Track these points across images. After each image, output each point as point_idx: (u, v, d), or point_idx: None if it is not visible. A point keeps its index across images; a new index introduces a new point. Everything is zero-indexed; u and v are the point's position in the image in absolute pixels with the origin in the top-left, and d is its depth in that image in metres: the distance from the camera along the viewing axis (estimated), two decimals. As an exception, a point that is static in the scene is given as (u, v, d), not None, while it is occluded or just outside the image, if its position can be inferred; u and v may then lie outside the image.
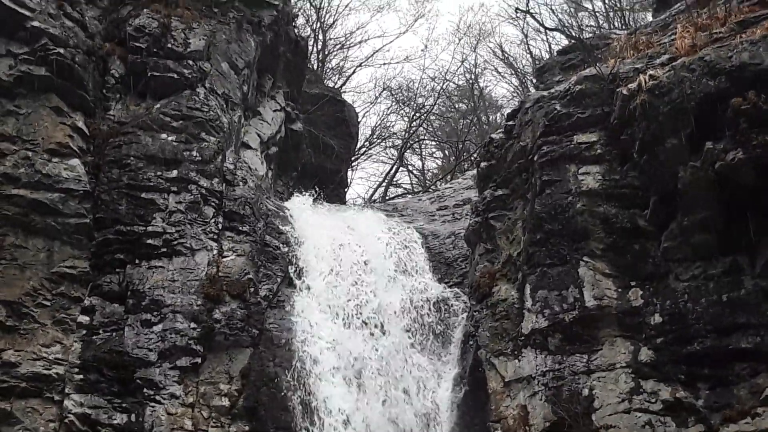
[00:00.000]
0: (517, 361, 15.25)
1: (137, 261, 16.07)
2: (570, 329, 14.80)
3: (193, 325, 15.64)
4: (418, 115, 37.73)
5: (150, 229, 16.26)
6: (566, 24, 32.76)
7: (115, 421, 14.91)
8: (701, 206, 13.73)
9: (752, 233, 13.35)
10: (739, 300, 13.45)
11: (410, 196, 30.60)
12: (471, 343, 16.01)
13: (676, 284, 14.09)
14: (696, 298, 13.80)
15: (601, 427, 14.09)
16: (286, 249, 17.48)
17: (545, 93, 16.30)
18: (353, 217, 20.07)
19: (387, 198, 34.05)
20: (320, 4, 34.40)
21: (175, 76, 17.90)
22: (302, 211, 19.14)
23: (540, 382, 14.90)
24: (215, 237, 16.61)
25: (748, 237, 13.43)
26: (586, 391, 14.44)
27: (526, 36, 37.47)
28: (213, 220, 16.73)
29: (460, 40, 39.84)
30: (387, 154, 38.30)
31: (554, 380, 14.77)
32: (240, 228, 17.04)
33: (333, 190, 26.13)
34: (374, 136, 37.39)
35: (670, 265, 14.24)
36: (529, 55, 37.36)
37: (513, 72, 38.80)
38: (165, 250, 16.19)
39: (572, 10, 34.35)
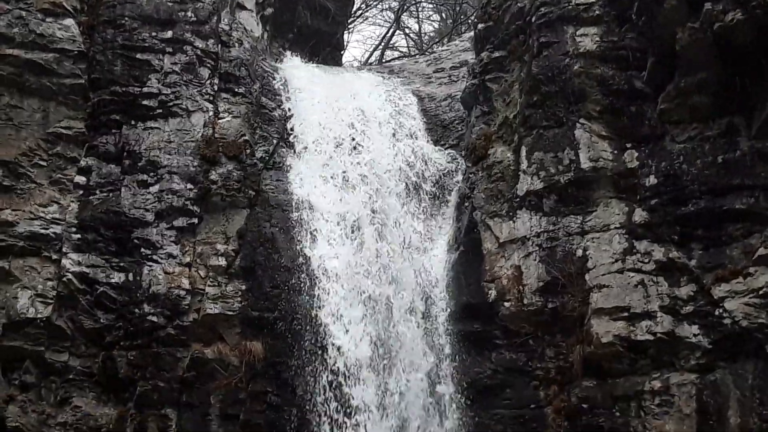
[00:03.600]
0: (512, 222, 15.33)
1: (133, 122, 16.02)
2: (565, 191, 14.85)
3: (189, 185, 15.67)
4: (415, -25, 37.13)
5: (145, 90, 16.17)
6: None
7: (112, 280, 15.05)
8: (699, 68, 13.63)
9: (750, 95, 13.30)
10: (735, 161, 13.45)
11: (407, 59, 30.26)
12: (466, 204, 16.06)
13: (671, 146, 14.09)
14: (691, 160, 13.81)
15: (594, 286, 14.24)
16: (281, 111, 17.43)
17: (544, -48, 16.04)
18: (350, 79, 19.94)
19: (384, 61, 33.77)
20: None
21: (168, -67, 17.55)
22: (298, 72, 18.98)
23: (534, 242, 15.01)
24: (211, 98, 16.53)
25: (745, 99, 13.38)
26: (580, 252, 14.56)
27: None
28: (208, 82, 16.63)
29: None
30: (383, 16, 37.85)
31: (548, 241, 14.89)
32: (236, 90, 16.94)
33: (329, 53, 25.83)
34: (371, -2, 36.85)
35: (666, 126, 14.22)
36: None
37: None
38: (161, 111, 16.12)
39: None
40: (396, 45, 38.25)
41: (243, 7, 20.03)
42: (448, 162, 17.35)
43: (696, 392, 13.42)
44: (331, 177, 16.66)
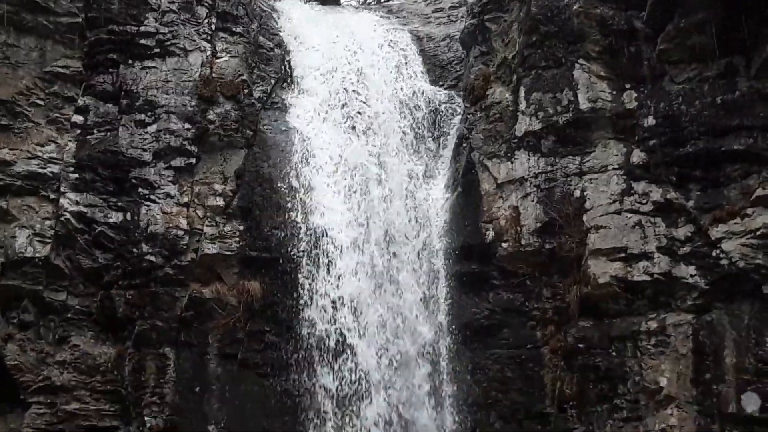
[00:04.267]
0: (510, 163, 15.31)
1: (130, 61, 15.94)
2: (563, 131, 14.82)
3: (187, 125, 15.63)
4: None
5: (143, 29, 16.08)
6: None
7: (110, 220, 15.06)
8: (699, 8, 13.55)
9: (749, 35, 13.23)
10: (734, 102, 13.39)
11: (405, -1, 29.99)
12: (464, 145, 16.03)
13: (670, 87, 14.03)
14: (690, 101, 13.76)
15: (591, 227, 14.26)
16: (279, 51, 17.36)
17: None
18: (348, 19, 19.81)
19: (382, 0, 33.51)
20: None
21: None
22: (296, 12, 18.88)
23: (532, 183, 15.02)
24: (208, 38, 16.43)
25: (744, 39, 13.31)
26: (577, 193, 14.56)
27: None
28: (206, 21, 16.52)
29: None
30: (383, -45, 37.49)
31: (546, 182, 14.89)
32: (233, 29, 16.84)
33: (328, -7, 25.64)
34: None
35: (665, 67, 14.14)
36: None
37: None
38: (158, 50, 16.05)
39: None
40: (394, -15, 37.86)
41: (240, -55, 19.85)
42: (446, 102, 17.21)
43: (692, 332, 13.48)
44: (330, 116, 16.55)
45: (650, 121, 14.05)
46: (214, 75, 16.11)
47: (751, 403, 12.93)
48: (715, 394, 13.21)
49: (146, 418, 14.80)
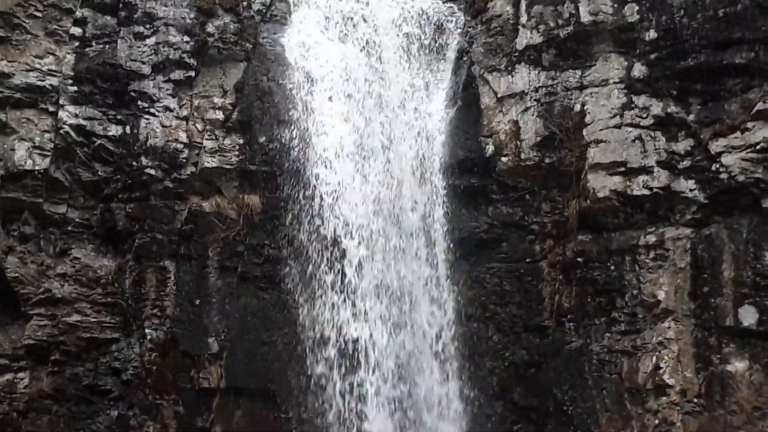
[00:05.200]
0: (510, 77, 15.24)
1: (128, -29, 15.78)
2: (564, 45, 14.72)
3: (186, 38, 15.51)
4: None
5: (140, -61, 15.90)
6: None
7: (110, 133, 15.00)
8: None
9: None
10: (735, 15, 13.28)
11: None
12: (464, 59, 15.94)
13: (672, -1, 13.95)
14: (692, 14, 13.65)
15: (591, 141, 14.23)
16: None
17: None
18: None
19: None
20: None
21: None
22: None
23: (533, 97, 14.96)
24: (207, -51, 16.25)
25: (748, -49, 13.23)
26: (578, 107, 14.51)
27: None
28: (203, -69, 16.32)
29: None
30: None
31: (547, 96, 14.83)
32: (231, -60, 16.64)
33: None
34: None
35: (667, -21, 14.05)
36: None
37: None
38: (156, -39, 15.89)
39: None
40: None
41: None
42: (447, 16, 17.04)
43: (691, 246, 13.54)
44: (330, 29, 16.43)
45: (651, 34, 13.96)
46: (212, -14, 15.96)
47: (748, 316, 13.03)
48: (712, 307, 13.30)
49: (147, 331, 14.92)
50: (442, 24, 16.95)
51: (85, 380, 14.79)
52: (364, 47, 16.35)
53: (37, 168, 14.66)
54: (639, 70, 14.07)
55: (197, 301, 15.00)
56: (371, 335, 14.28)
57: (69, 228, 14.97)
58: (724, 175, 13.25)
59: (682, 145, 13.67)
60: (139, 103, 15.17)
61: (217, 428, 14.70)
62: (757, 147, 13.02)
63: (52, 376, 14.66)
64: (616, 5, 14.37)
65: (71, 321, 14.77)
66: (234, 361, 14.83)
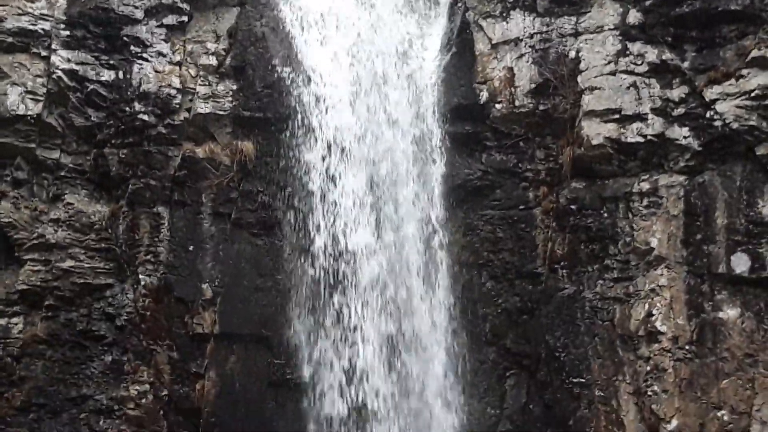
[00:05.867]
0: (505, 23, 15.18)
1: None
2: (560, -9, 14.70)
3: (178, -18, 15.44)
4: None
5: None
6: None
7: (102, 78, 14.92)
8: None
9: None
10: (732, -39, 13.28)
11: None
12: (459, 5, 15.80)
13: (668, -56, 13.88)
14: (688, -41, 13.64)
15: (586, 88, 14.23)
16: None
17: None
18: None
19: None
20: None
21: None
22: None
23: (527, 44, 14.93)
24: None
25: None
26: (573, 54, 14.49)
27: None
28: None
29: None
30: None
31: (541, 42, 14.81)
32: None
33: None
34: None
35: (664, -74, 13.97)
36: None
37: None
38: None
39: None
40: None
41: None
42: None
43: (684, 194, 13.58)
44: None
45: (647, -21, 13.92)
46: (203, -71, 15.80)
47: (740, 263, 13.10)
48: (705, 254, 13.36)
49: (140, 276, 14.94)
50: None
51: (79, 325, 14.80)
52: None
53: (29, 113, 14.57)
54: (634, 16, 14.03)
55: (191, 248, 15.00)
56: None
57: (62, 173, 14.93)
58: (718, 123, 13.26)
59: (677, 93, 13.66)
60: (132, 48, 15.07)
61: (211, 373, 14.75)
62: (752, 94, 13.03)
63: (46, 322, 14.67)
64: (611, -49, 14.32)
65: (65, 266, 14.76)
66: (228, 307, 14.87)
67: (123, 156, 14.96)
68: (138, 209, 15.03)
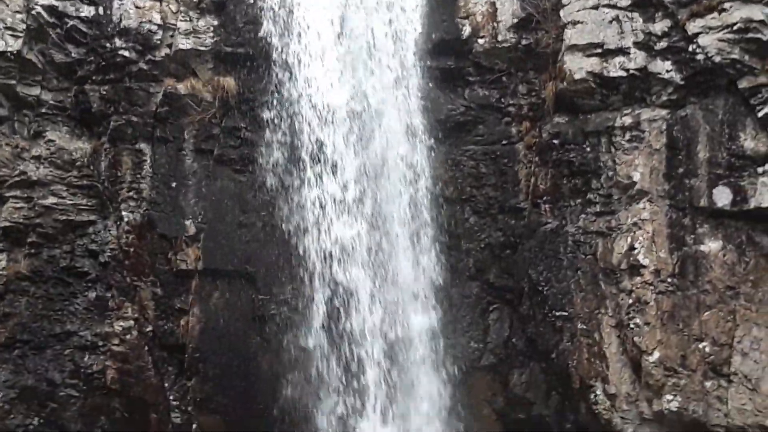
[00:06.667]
0: (488, -32, 15.13)
1: None
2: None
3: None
4: None
5: None
6: None
7: (82, 14, 14.79)
8: None
9: None
10: None
11: None
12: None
13: None
14: None
15: (568, 23, 14.16)
16: None
17: None
18: None
19: None
20: None
21: None
22: None
23: (510, -22, 14.89)
24: None
25: None
26: (555, -12, 14.44)
27: None
28: None
29: None
30: None
31: (524, -24, 14.76)
32: None
33: None
34: None
35: None
36: None
37: None
38: None
39: None
40: None
41: None
42: None
43: (666, 127, 13.58)
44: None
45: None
46: None
47: (722, 197, 13.13)
48: (687, 188, 13.38)
49: (123, 213, 14.94)
50: None
51: (62, 262, 14.82)
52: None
53: (9, 49, 14.44)
54: (618, -33, 13.97)
55: (173, 184, 15.00)
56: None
57: (43, 110, 14.84)
58: (700, 56, 13.22)
59: (659, 26, 13.61)
60: (112, -18, 14.96)
61: (195, 309, 14.81)
62: (734, 27, 12.95)
63: (29, 258, 14.67)
64: None
65: (47, 203, 14.73)
66: (211, 243, 14.90)
67: (104, 92, 14.89)
68: (120, 146, 15.00)
